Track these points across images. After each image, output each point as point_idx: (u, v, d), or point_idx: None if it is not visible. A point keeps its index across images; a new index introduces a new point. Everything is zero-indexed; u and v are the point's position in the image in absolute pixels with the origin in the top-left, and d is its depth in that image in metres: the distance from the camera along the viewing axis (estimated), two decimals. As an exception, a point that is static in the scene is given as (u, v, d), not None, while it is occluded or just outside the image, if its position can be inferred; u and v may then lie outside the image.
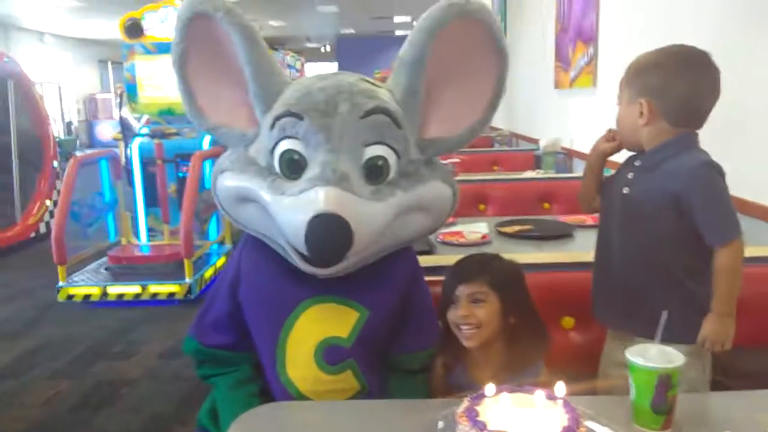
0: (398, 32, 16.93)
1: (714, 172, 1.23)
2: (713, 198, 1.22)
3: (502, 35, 1.14)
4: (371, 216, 1.07)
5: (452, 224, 2.30)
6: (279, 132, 1.11)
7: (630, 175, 1.34)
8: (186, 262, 3.68)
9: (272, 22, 13.37)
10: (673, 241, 1.27)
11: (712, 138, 1.33)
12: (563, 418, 0.87)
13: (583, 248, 2.04)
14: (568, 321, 1.50)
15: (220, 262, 4.27)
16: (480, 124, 1.20)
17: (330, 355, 1.17)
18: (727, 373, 1.33)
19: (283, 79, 1.19)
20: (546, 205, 2.91)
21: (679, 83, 1.25)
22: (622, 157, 1.43)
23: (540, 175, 3.30)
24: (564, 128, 3.92)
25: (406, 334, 1.24)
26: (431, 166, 1.20)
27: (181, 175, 4.38)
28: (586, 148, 3.46)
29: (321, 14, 12.74)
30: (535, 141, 4.61)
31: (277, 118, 1.11)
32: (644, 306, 1.28)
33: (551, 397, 0.90)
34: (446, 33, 1.09)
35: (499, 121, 6.47)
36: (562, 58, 4.00)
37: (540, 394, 0.90)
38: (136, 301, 3.74)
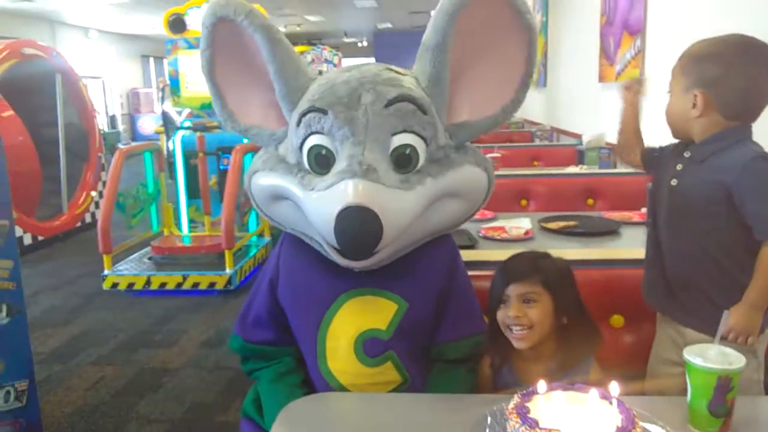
0: (436, 26, 16.78)
1: None
2: (766, 191, 1.17)
3: (527, 11, 1.10)
4: (400, 205, 1.05)
5: (493, 219, 2.28)
6: (305, 128, 1.11)
7: (679, 167, 1.30)
8: (227, 253, 3.74)
9: (310, 17, 13.44)
10: (723, 235, 1.22)
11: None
12: (617, 419, 0.84)
13: (629, 245, 1.99)
14: (617, 319, 1.46)
15: (260, 253, 4.32)
16: (512, 104, 1.17)
17: (369, 347, 1.16)
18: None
19: (309, 76, 1.19)
20: (590, 201, 2.85)
21: (739, 76, 1.20)
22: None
23: (583, 171, 3.23)
24: (608, 123, 3.82)
25: (448, 323, 1.23)
26: (462, 150, 1.18)
27: (222, 167, 4.46)
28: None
29: (359, 9, 12.75)
30: (577, 136, 4.52)
31: (302, 115, 1.11)
32: (694, 299, 1.25)
33: (605, 397, 0.88)
34: (469, 13, 1.06)
35: (539, 115, 6.37)
36: (606, 51, 3.91)
37: (594, 393, 0.87)
38: (178, 291, 3.82)
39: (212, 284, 3.79)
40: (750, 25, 1.22)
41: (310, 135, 1.11)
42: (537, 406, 0.89)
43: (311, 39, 14.97)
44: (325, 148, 1.10)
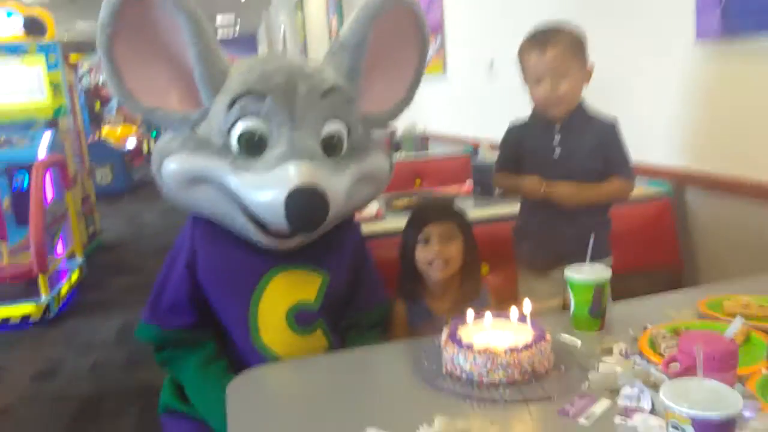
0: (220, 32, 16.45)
1: None
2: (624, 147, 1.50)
3: (427, 25, 1.31)
4: (339, 186, 1.15)
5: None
6: (239, 111, 1.13)
7: (557, 139, 1.49)
8: (41, 277, 3.36)
9: (82, 23, 12.32)
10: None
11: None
12: (532, 332, 1.01)
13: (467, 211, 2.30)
14: (483, 268, 1.68)
15: (75, 276, 3.94)
16: (405, 102, 1.36)
17: (301, 318, 1.23)
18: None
19: (225, 62, 1.21)
20: (418, 181, 3.16)
21: None
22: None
23: (406, 156, 3.52)
24: (418, 113, 4.18)
25: (364, 292, 1.34)
26: (371, 139, 1.31)
27: (15, 187, 3.98)
28: (439, 129, 3.74)
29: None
30: (392, 126, 4.86)
31: (237, 98, 1.13)
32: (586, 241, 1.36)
33: (519, 316, 1.04)
34: (383, 20, 1.22)
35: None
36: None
37: (514, 312, 1.04)
38: (-17, 329, 3.33)
39: (26, 316, 3.37)
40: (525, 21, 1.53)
41: (241, 118, 1.13)
42: (466, 333, 1.03)
43: (85, 49, 13.70)
44: (259, 132, 1.13)
